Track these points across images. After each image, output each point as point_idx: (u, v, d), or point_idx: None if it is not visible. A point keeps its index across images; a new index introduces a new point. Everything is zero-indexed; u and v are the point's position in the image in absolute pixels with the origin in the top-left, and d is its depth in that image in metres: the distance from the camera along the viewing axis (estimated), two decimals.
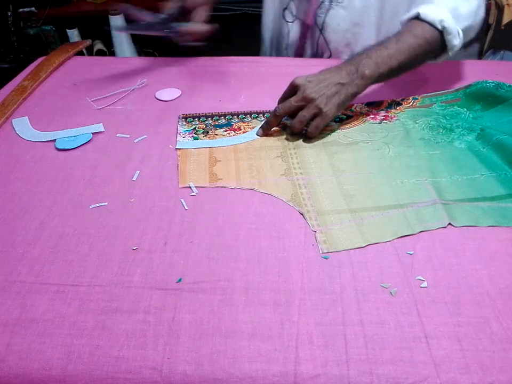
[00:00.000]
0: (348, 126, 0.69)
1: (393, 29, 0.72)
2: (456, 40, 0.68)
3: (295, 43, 0.94)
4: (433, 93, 0.75)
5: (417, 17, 0.68)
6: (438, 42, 0.68)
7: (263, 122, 0.70)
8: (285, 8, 0.90)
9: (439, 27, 0.66)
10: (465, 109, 0.71)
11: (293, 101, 0.65)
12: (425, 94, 0.75)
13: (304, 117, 0.64)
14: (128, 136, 0.68)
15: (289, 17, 0.91)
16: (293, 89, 0.66)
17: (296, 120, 0.65)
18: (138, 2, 1.84)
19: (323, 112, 0.64)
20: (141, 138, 0.68)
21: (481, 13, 0.70)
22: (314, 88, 0.64)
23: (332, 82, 0.64)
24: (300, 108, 0.65)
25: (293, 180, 0.59)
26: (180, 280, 0.46)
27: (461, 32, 0.67)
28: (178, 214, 0.54)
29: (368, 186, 0.57)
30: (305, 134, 0.66)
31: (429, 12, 0.66)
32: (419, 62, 0.70)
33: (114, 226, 0.52)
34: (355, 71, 0.64)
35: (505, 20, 1.81)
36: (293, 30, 0.92)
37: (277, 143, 0.66)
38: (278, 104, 0.68)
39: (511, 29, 1.85)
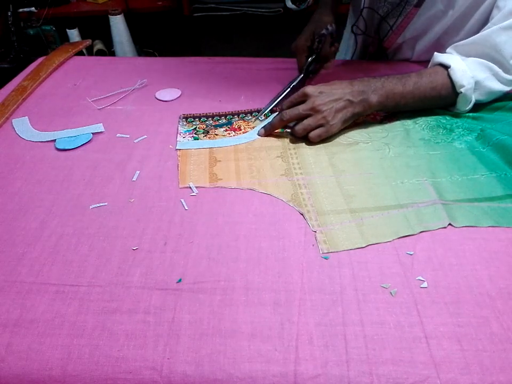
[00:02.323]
0: (348, 126, 0.69)
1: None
2: (464, 107, 0.69)
3: None
4: None
5: (446, 66, 0.68)
6: (449, 100, 0.69)
7: (264, 122, 0.70)
8: None
9: (457, 90, 0.67)
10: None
11: (301, 109, 0.65)
12: None
13: (309, 125, 0.65)
14: (128, 136, 0.68)
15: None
16: (302, 97, 0.66)
17: (300, 127, 0.65)
18: (138, 3, 1.84)
19: (329, 124, 0.64)
20: (141, 138, 0.68)
21: (499, 95, 0.70)
22: (324, 100, 0.64)
23: (341, 98, 0.65)
24: (307, 116, 0.65)
25: (293, 180, 0.59)
26: (180, 280, 0.46)
27: (473, 101, 0.68)
28: (178, 214, 0.54)
29: (368, 187, 0.57)
30: (306, 138, 0.66)
31: (457, 70, 0.66)
32: (424, 108, 0.71)
33: (114, 226, 0.52)
34: (365, 93, 0.65)
35: None
36: None
37: (277, 143, 0.66)
38: (283, 107, 0.68)
39: None
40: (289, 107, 0.67)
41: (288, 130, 0.69)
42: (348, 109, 0.65)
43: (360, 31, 0.91)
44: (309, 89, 0.66)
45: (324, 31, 0.78)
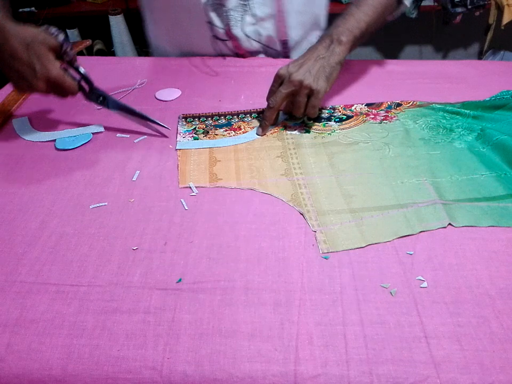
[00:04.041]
0: (347, 126, 0.69)
1: None
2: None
3: None
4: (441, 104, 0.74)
5: None
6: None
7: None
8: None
9: None
10: (464, 110, 0.71)
11: (283, 90, 0.65)
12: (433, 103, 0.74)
13: (299, 102, 0.65)
14: (128, 136, 0.68)
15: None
16: (278, 81, 0.67)
17: (295, 107, 0.66)
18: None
19: (314, 89, 0.64)
20: (141, 138, 0.68)
21: None
22: (298, 72, 0.64)
23: (312, 59, 0.65)
24: (291, 94, 0.65)
25: (293, 180, 0.59)
26: (180, 280, 0.46)
27: None
28: (178, 214, 0.54)
29: (368, 186, 0.57)
30: (306, 117, 0.66)
31: None
32: (383, 19, 0.73)
33: (114, 226, 0.52)
34: (330, 42, 0.67)
35: (505, 20, 1.81)
36: None
37: (277, 143, 0.66)
38: (267, 98, 0.68)
39: (511, 29, 1.85)
40: (272, 95, 0.67)
41: (288, 131, 0.69)
42: (323, 66, 0.65)
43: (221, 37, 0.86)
44: (281, 70, 0.66)
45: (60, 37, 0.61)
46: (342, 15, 0.71)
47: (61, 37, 0.61)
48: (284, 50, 0.92)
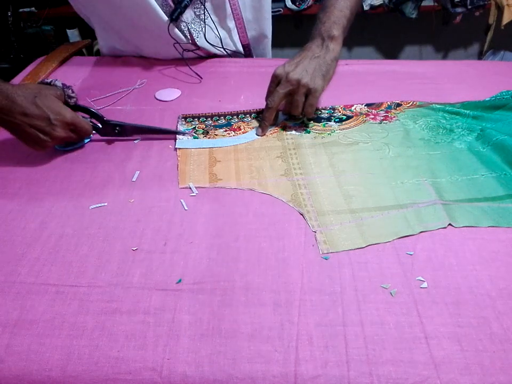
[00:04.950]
0: (348, 126, 0.69)
1: None
2: None
3: None
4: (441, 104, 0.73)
5: None
6: None
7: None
8: None
9: None
10: (464, 110, 0.71)
11: (280, 90, 0.65)
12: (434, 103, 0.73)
13: (297, 101, 0.65)
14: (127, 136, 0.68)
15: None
16: (275, 81, 0.67)
17: (293, 107, 0.66)
18: None
19: (312, 88, 0.64)
20: (141, 138, 0.68)
21: None
22: (295, 71, 0.65)
23: (307, 58, 0.66)
24: (289, 94, 0.66)
25: (293, 180, 0.59)
26: (179, 280, 0.46)
27: None
28: (178, 214, 0.54)
29: (368, 187, 0.57)
30: (305, 117, 0.67)
31: None
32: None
33: (114, 227, 0.52)
34: (322, 39, 0.67)
35: (505, 20, 1.81)
36: None
37: (277, 143, 0.66)
38: (266, 98, 0.68)
39: (511, 29, 1.85)
40: (270, 95, 0.67)
41: (288, 131, 0.69)
42: (319, 64, 0.65)
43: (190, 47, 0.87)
44: (277, 70, 0.66)
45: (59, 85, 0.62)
46: (322, 8, 0.71)
47: (59, 83, 0.62)
48: (247, 54, 0.93)
